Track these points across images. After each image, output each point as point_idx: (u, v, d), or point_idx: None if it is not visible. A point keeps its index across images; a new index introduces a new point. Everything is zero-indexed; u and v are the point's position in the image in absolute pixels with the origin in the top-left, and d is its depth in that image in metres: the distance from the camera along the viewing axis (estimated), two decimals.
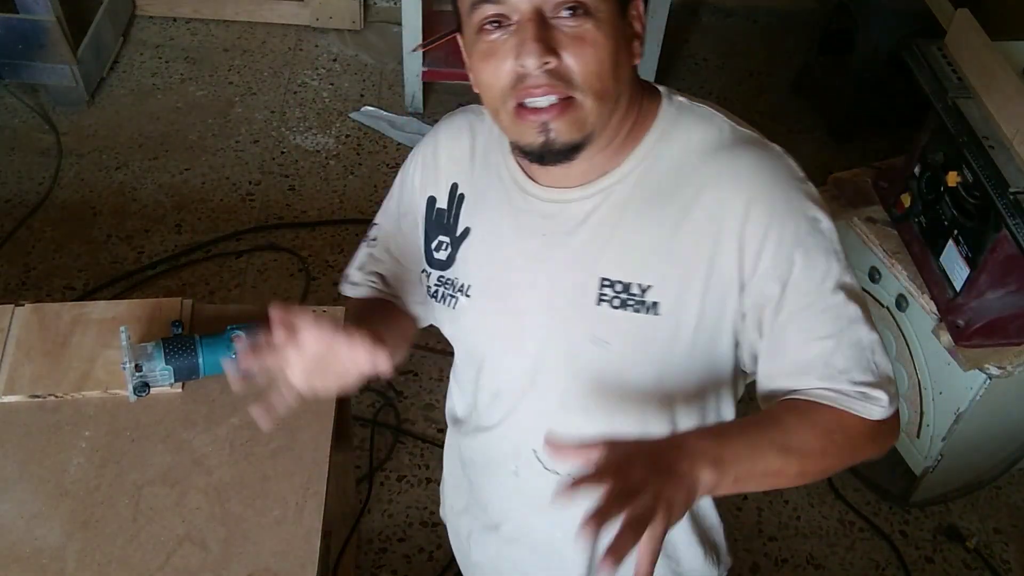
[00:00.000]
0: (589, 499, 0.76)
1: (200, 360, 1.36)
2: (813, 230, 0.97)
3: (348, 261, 1.19)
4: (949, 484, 2.17)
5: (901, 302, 1.99)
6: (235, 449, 1.33)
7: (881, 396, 0.95)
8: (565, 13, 0.89)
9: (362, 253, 1.20)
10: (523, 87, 0.91)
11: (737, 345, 1.02)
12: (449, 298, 1.11)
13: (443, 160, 1.12)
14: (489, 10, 0.91)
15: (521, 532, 1.21)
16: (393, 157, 2.92)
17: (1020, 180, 1.68)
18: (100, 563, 1.20)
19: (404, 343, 1.18)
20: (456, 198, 1.11)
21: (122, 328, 1.35)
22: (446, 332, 1.16)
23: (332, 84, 3.17)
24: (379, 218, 1.20)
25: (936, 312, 1.89)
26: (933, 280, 1.91)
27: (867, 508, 2.20)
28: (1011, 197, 1.66)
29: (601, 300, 1.00)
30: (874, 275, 2.05)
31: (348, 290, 1.21)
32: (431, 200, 1.12)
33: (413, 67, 2.96)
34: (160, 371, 1.34)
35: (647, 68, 2.94)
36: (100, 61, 3.07)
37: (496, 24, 0.91)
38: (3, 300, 1.49)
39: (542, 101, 0.91)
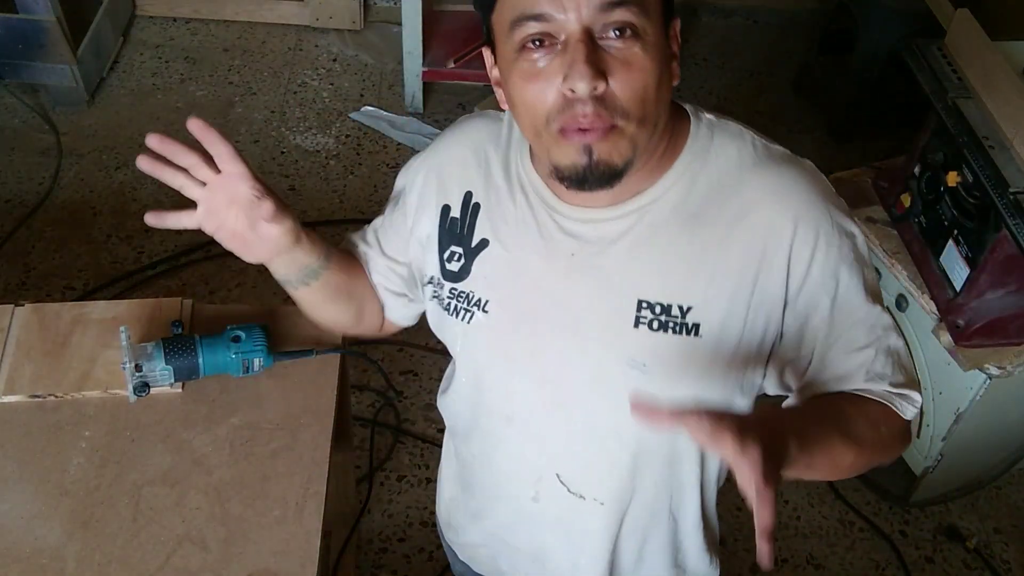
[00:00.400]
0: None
1: (200, 360, 1.36)
2: (853, 245, 0.99)
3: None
4: (949, 484, 2.17)
5: (901, 302, 1.99)
6: (235, 449, 1.33)
7: (915, 396, 1.01)
8: (613, 34, 0.86)
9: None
10: (571, 113, 0.88)
11: (767, 363, 1.01)
12: (464, 312, 1.07)
13: (456, 167, 1.09)
14: (534, 28, 0.87)
15: (532, 548, 1.18)
16: (393, 157, 2.92)
17: (1020, 180, 1.68)
18: (100, 563, 1.20)
19: (344, 285, 1.16)
20: (471, 207, 1.07)
21: (122, 328, 1.35)
22: (455, 348, 1.12)
23: (332, 84, 3.17)
24: (377, 221, 1.19)
25: (936, 312, 1.89)
26: (933, 280, 1.91)
27: (867, 508, 2.20)
28: (1011, 197, 1.66)
29: (639, 322, 0.98)
30: None
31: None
32: (445, 209, 1.09)
33: (413, 67, 2.96)
34: (160, 371, 1.34)
35: None
36: (100, 61, 3.07)
37: (539, 43, 0.88)
38: (3, 300, 1.49)
39: (586, 124, 0.88)
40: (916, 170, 1.95)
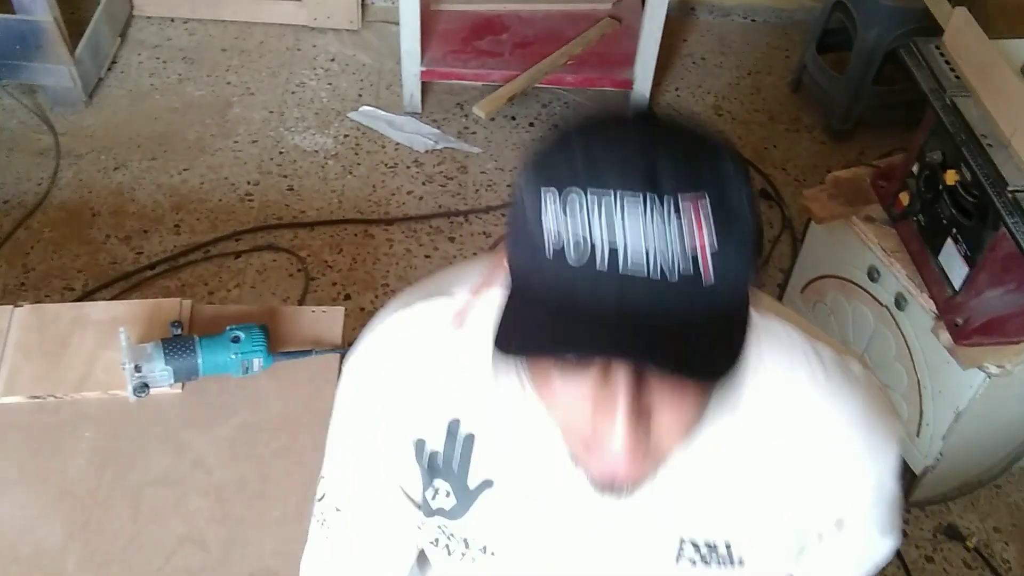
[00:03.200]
0: None
1: (199, 360, 1.36)
2: (892, 492, 0.94)
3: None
4: (949, 483, 2.17)
5: (900, 301, 1.99)
6: (235, 449, 1.33)
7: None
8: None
9: (319, 540, 0.98)
10: (599, 448, 0.69)
11: None
12: (460, 554, 0.91)
13: (427, 389, 0.86)
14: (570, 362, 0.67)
15: None
16: (392, 157, 2.92)
17: (1018, 178, 1.69)
18: (100, 564, 1.20)
19: None
20: (462, 440, 0.86)
21: (121, 329, 1.35)
22: (438, 567, 0.96)
23: (330, 84, 3.17)
24: (332, 488, 0.97)
25: (935, 311, 1.90)
26: (932, 279, 1.91)
27: None
28: (1009, 196, 1.66)
29: (680, 557, 0.87)
30: (873, 274, 2.05)
31: None
32: (419, 444, 0.88)
33: (411, 67, 2.96)
34: (160, 371, 1.34)
35: (645, 69, 2.95)
36: (98, 62, 3.07)
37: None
38: (2, 301, 1.49)
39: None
40: (914, 169, 1.95)
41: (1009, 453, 2.13)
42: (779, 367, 0.83)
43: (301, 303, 2.44)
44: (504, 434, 0.85)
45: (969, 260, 1.80)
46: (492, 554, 0.89)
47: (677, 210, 0.61)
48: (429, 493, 0.90)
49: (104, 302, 1.54)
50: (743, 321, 0.66)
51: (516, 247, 0.67)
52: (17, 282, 2.51)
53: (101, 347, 1.42)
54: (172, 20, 3.35)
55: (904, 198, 1.98)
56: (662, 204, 0.61)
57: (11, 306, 1.48)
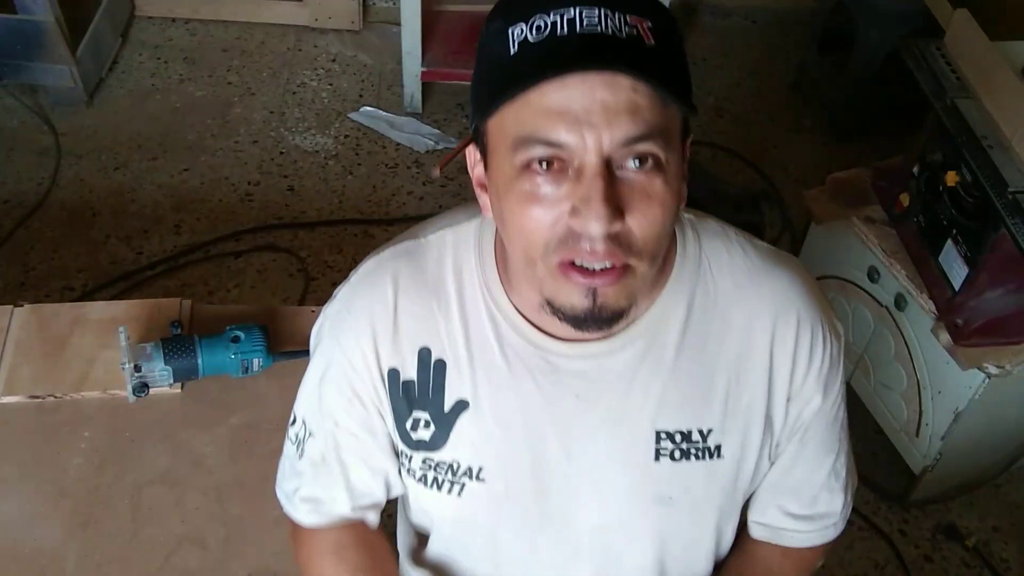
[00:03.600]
0: None
1: (199, 360, 1.36)
2: (840, 347, 0.97)
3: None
4: (948, 483, 2.17)
5: (900, 301, 1.99)
6: (235, 449, 1.33)
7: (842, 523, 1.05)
8: (633, 164, 0.77)
9: (303, 470, 1.01)
10: (578, 249, 0.77)
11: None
12: (449, 484, 0.95)
13: (396, 322, 0.93)
14: (543, 152, 0.76)
15: None
16: (392, 157, 2.92)
17: (1019, 180, 1.69)
18: (100, 563, 1.20)
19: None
20: (432, 366, 0.92)
21: (121, 328, 1.35)
22: (438, 521, 1.01)
23: (331, 84, 3.17)
24: (311, 424, 1.00)
25: (935, 311, 1.90)
26: (932, 279, 1.91)
27: (866, 507, 2.20)
28: (1010, 197, 1.66)
29: (660, 455, 0.91)
30: (873, 275, 2.05)
31: (304, 515, 1.03)
32: (392, 373, 0.93)
33: (412, 67, 2.96)
34: (159, 371, 1.34)
35: None
36: (99, 62, 3.07)
37: (546, 165, 0.77)
38: (2, 300, 1.49)
39: (596, 265, 0.78)
40: (915, 170, 1.95)
41: (1008, 453, 2.13)
42: (718, 256, 0.93)
43: (301, 303, 2.44)
44: (472, 353, 0.91)
45: (969, 261, 1.80)
46: (481, 479, 0.93)
47: (625, 22, 0.75)
48: (410, 425, 0.94)
49: (104, 302, 1.55)
50: (686, 91, 0.80)
51: (480, 83, 0.81)
52: (17, 282, 2.51)
53: (101, 347, 1.42)
54: (173, 20, 3.35)
55: (904, 199, 1.98)
56: (612, 13, 0.75)
57: (11, 306, 1.48)
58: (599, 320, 0.81)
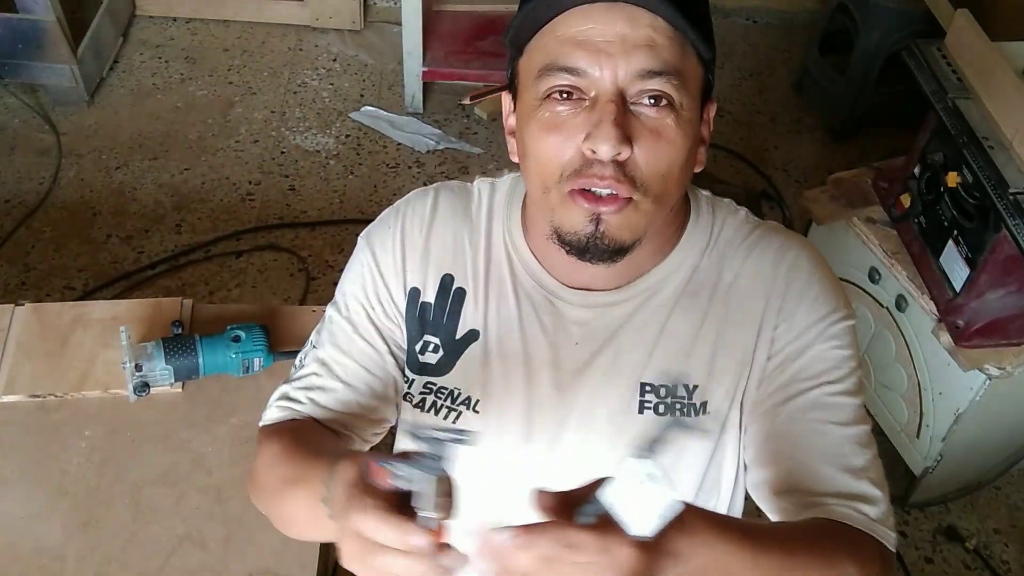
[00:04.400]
0: None
1: (200, 360, 1.36)
2: (843, 320, 0.93)
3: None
4: (948, 485, 2.17)
5: (901, 302, 1.99)
6: (235, 449, 1.33)
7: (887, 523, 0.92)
8: (647, 101, 0.81)
9: (305, 374, 0.99)
10: (588, 174, 0.81)
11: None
12: (446, 410, 0.96)
13: (425, 243, 0.97)
14: (563, 80, 0.81)
15: None
16: (393, 157, 2.92)
17: (1020, 181, 1.68)
18: (100, 563, 1.20)
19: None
20: (452, 293, 0.96)
21: (122, 328, 1.35)
22: None
23: (332, 84, 3.17)
24: (323, 338, 1.00)
25: (936, 312, 1.89)
26: (933, 280, 1.91)
27: None
28: (1011, 198, 1.66)
29: (643, 407, 0.92)
30: (874, 275, 2.05)
31: (277, 411, 0.98)
32: (413, 292, 0.97)
33: (413, 67, 2.96)
34: (160, 371, 1.34)
35: None
36: (100, 61, 3.07)
37: (566, 95, 0.82)
38: (3, 300, 1.49)
39: (602, 191, 0.81)
40: (916, 170, 1.95)
41: (1009, 455, 2.13)
42: (728, 226, 0.96)
43: (302, 303, 2.44)
44: (488, 288, 0.95)
45: (970, 262, 1.79)
46: (477, 411, 0.95)
47: None
48: (419, 347, 0.97)
49: (105, 301, 1.55)
50: (710, 39, 0.83)
51: (514, 24, 0.85)
52: (18, 281, 2.51)
53: (102, 346, 1.42)
54: (174, 20, 3.35)
55: (905, 200, 1.97)
56: None
57: (12, 305, 1.48)
58: (600, 250, 0.84)
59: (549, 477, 0.94)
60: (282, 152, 2.93)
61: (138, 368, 1.33)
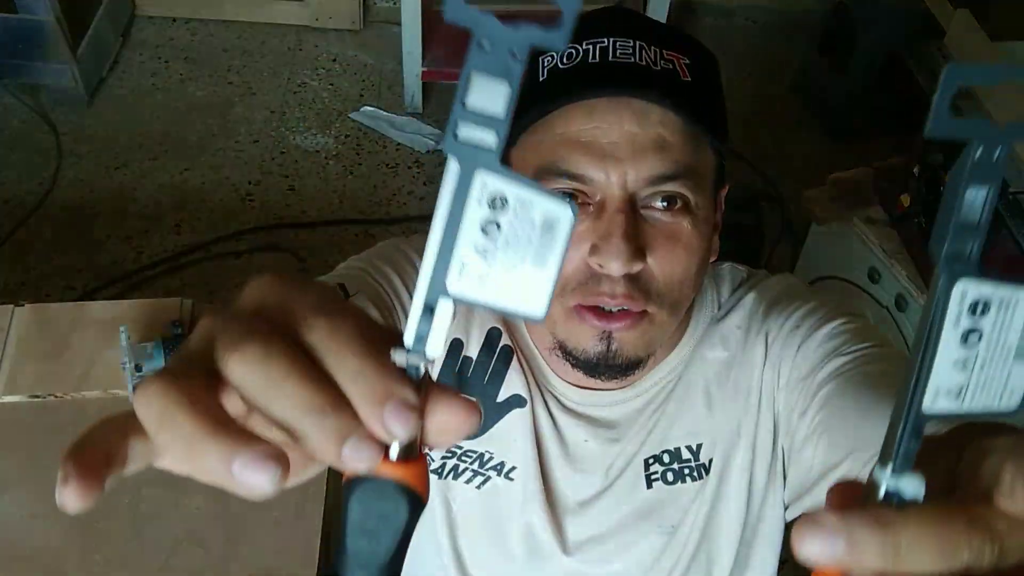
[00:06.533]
0: None
1: None
2: (831, 317, 0.85)
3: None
4: None
5: (900, 302, 1.99)
6: None
7: None
8: (660, 204, 0.73)
9: None
10: (597, 291, 0.73)
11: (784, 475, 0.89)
12: (472, 474, 0.88)
13: None
14: (564, 185, 0.72)
15: None
16: (392, 157, 2.92)
17: (1020, 181, 1.69)
18: (100, 563, 1.20)
19: None
20: (499, 351, 0.87)
21: (122, 328, 1.35)
22: (435, 511, 0.90)
23: (332, 84, 3.17)
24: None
25: None
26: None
27: None
28: (1010, 197, 1.67)
29: (652, 482, 0.87)
30: (873, 275, 2.05)
31: None
32: (456, 344, 0.88)
33: (412, 67, 2.96)
34: None
35: None
36: (99, 61, 3.07)
37: (569, 196, 0.71)
38: (3, 300, 1.49)
39: (613, 307, 0.74)
40: (915, 170, 1.95)
41: None
42: (740, 301, 0.89)
43: None
44: (526, 358, 0.87)
45: None
46: (510, 478, 0.87)
47: (661, 56, 0.73)
48: None
49: (105, 302, 1.54)
50: (722, 130, 0.77)
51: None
52: (18, 281, 2.51)
53: (102, 347, 1.42)
54: (174, 20, 3.35)
55: (905, 199, 1.97)
56: (648, 46, 0.73)
57: (12, 305, 1.48)
58: (612, 368, 0.77)
59: (575, 548, 0.91)
60: (282, 152, 2.93)
61: (138, 368, 1.33)
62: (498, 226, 0.33)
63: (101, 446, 0.37)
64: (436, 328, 0.35)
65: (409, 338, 0.35)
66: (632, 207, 0.72)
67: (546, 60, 0.74)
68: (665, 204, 0.73)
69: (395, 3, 3.26)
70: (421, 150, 2.93)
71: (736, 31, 3.49)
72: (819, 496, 0.78)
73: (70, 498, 0.33)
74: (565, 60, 0.73)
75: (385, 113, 3.07)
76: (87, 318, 1.46)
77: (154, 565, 1.20)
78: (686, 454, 0.86)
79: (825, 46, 3.06)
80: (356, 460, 0.32)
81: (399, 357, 0.34)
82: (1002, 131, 0.35)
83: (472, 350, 0.88)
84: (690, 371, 0.87)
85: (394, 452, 0.35)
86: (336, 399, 0.33)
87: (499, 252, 0.34)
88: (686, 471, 0.86)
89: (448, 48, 3.01)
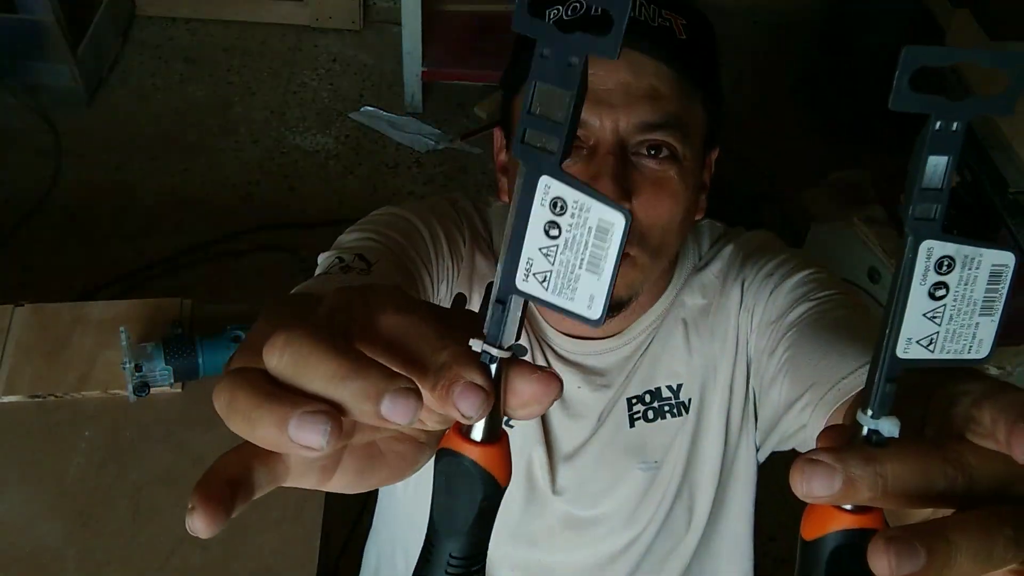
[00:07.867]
0: None
1: (200, 360, 1.36)
2: (799, 267, 0.90)
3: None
4: None
5: None
6: None
7: None
8: (648, 151, 0.78)
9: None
10: None
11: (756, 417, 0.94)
12: None
13: (472, 256, 0.92)
14: None
15: None
16: (392, 157, 2.92)
17: (1019, 180, 1.69)
18: (100, 563, 1.20)
19: None
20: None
21: (122, 328, 1.35)
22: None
23: (331, 84, 3.17)
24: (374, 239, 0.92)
25: None
26: None
27: None
28: (1010, 197, 1.67)
29: (634, 420, 0.91)
30: (873, 275, 2.05)
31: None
32: (459, 299, 0.92)
33: (412, 67, 2.96)
34: (160, 371, 1.34)
35: None
36: (100, 61, 3.07)
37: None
38: (3, 300, 1.49)
39: None
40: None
41: None
42: (721, 252, 0.94)
43: None
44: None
45: None
46: (510, 426, 0.89)
47: (660, 14, 0.78)
48: None
49: (104, 302, 1.54)
50: (717, 95, 0.81)
51: (511, 64, 0.84)
52: (18, 281, 2.51)
53: (101, 347, 1.42)
54: (174, 20, 3.35)
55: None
56: (648, 4, 0.78)
57: (12, 305, 1.48)
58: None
59: (570, 491, 0.95)
60: (282, 152, 2.93)
61: (138, 368, 1.33)
62: (559, 228, 0.36)
63: (224, 477, 0.41)
64: (509, 320, 0.38)
65: (485, 328, 0.38)
66: (622, 152, 0.77)
67: (552, 13, 0.78)
68: (653, 152, 0.78)
69: (395, 3, 3.26)
70: (421, 150, 2.93)
71: (736, 31, 3.49)
72: (784, 430, 0.84)
73: (197, 525, 0.37)
74: (569, 12, 0.77)
75: (385, 113, 3.07)
76: (87, 318, 1.46)
77: (154, 565, 1.20)
78: (667, 392, 0.91)
79: (825, 46, 3.06)
80: (396, 414, 0.34)
81: (476, 346, 0.38)
82: (956, 105, 0.39)
83: (475, 304, 0.92)
84: (671, 317, 0.92)
85: (477, 433, 0.39)
86: (359, 365, 0.35)
87: (559, 254, 0.36)
88: (666, 408, 0.91)
89: (448, 48, 3.01)
